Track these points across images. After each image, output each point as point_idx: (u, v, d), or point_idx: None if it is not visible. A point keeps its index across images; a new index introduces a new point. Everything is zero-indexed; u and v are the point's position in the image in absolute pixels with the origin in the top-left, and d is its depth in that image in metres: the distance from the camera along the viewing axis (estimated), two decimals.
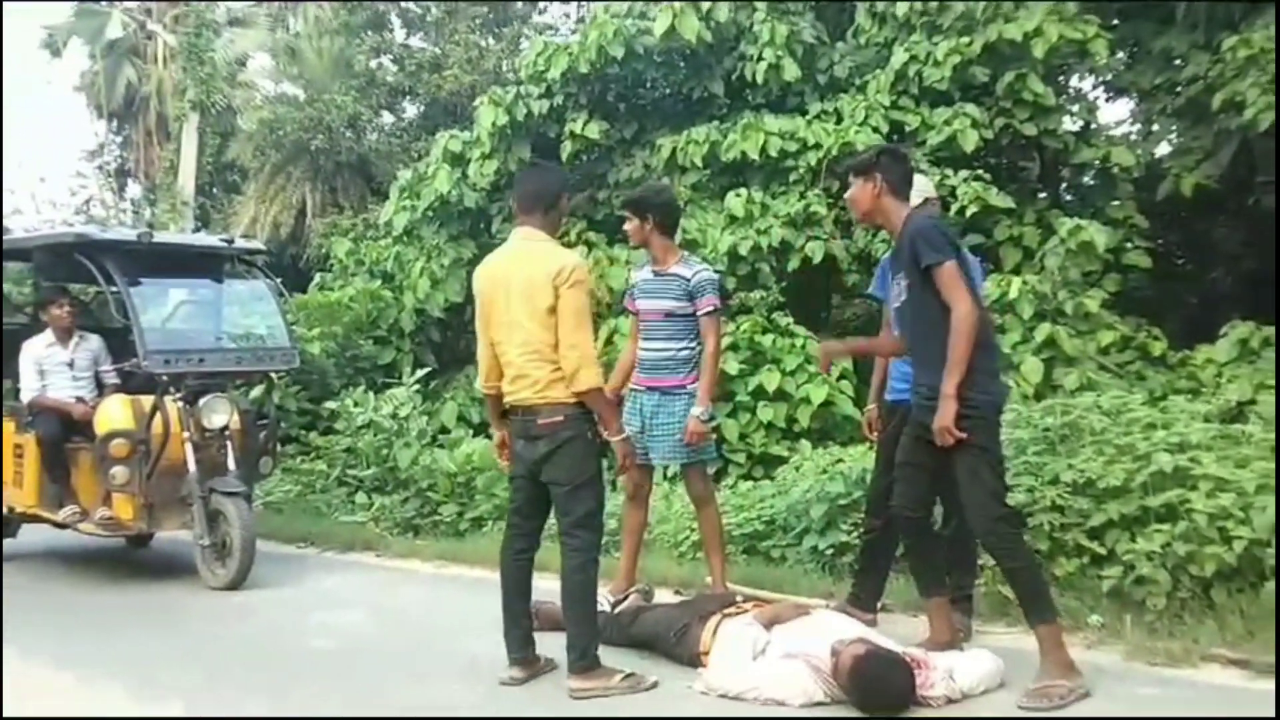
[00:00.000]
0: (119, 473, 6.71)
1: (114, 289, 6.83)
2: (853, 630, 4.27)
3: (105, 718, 4.22)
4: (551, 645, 4.73)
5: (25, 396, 7.20)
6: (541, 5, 20.38)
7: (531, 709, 4.27)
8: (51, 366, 7.22)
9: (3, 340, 7.68)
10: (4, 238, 7.68)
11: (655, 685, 4.39)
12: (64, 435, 7.07)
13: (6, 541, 7.74)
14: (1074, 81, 10.99)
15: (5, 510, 7.59)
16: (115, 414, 6.84)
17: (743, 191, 9.78)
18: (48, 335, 7.23)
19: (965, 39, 9.54)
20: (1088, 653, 4.71)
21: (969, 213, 9.04)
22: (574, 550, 4.38)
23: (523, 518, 4.59)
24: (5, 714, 3.98)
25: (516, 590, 4.55)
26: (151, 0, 24.16)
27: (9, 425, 7.38)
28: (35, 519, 7.44)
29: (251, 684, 4.68)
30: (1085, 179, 10.93)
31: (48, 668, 4.94)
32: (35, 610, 6.27)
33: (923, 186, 5.26)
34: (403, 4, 20.53)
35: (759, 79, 10.38)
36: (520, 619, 4.56)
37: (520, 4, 20.02)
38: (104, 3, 24.55)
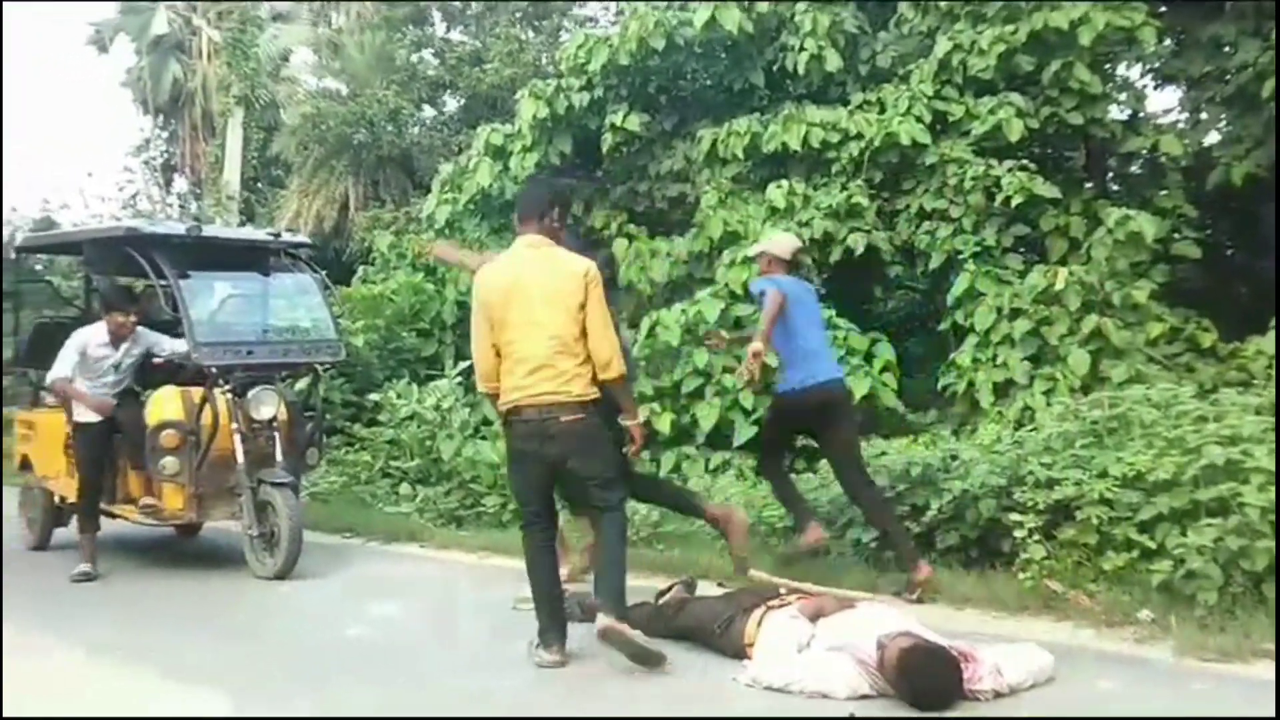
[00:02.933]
0: (169, 463, 6.81)
1: (163, 282, 6.92)
2: (899, 623, 4.25)
3: (141, 717, 4.28)
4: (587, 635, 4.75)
5: (51, 376, 6.97)
6: None
7: (574, 697, 4.28)
8: (97, 361, 7.02)
9: (46, 333, 7.85)
10: (56, 231, 7.79)
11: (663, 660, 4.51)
12: (107, 433, 7.02)
13: (57, 531, 7.89)
14: (1121, 69, 10.81)
15: (56, 500, 7.75)
16: (166, 405, 6.95)
17: (784, 183, 9.75)
18: (101, 332, 6.99)
19: (1010, 27, 9.42)
20: (1138, 648, 4.66)
21: (1014, 203, 8.95)
22: (616, 524, 4.69)
23: (542, 512, 4.76)
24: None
25: (551, 579, 4.75)
26: None
27: (58, 419, 7.48)
28: None
29: (295, 673, 4.75)
30: (1132, 168, 10.78)
31: (91, 655, 5.02)
32: (82, 599, 6.41)
33: (783, 244, 6.23)
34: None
35: (800, 70, 10.34)
36: (558, 603, 4.74)
37: None
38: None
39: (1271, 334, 8.11)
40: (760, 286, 5.90)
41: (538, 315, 4.52)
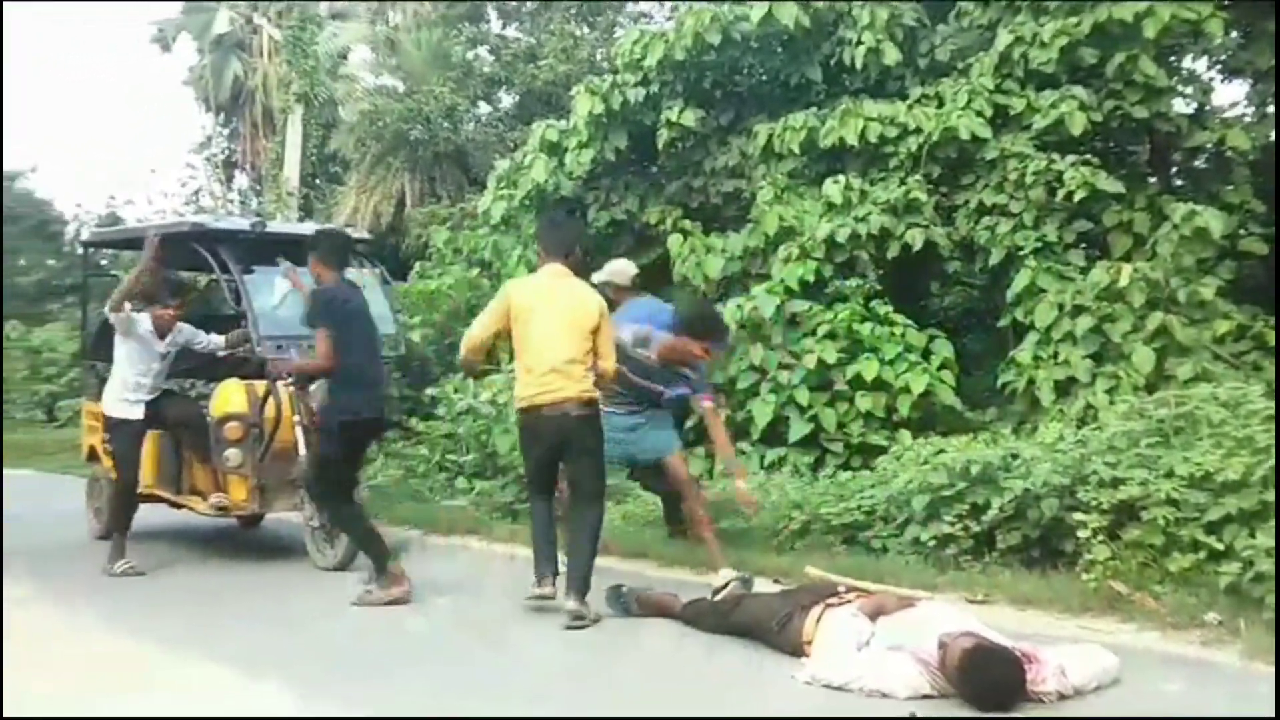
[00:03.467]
0: (233, 455, 6.93)
1: (228, 276, 7.04)
2: (961, 622, 4.21)
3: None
4: (653, 630, 4.77)
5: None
6: None
7: (629, 697, 4.28)
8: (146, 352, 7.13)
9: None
10: (123, 226, 7.95)
11: (599, 620, 5.29)
12: (142, 431, 7.13)
13: None
14: (1187, 62, 10.61)
15: None
16: (230, 398, 7.06)
17: (841, 178, 9.67)
18: (147, 321, 7.08)
19: (1073, 20, 9.27)
20: (1205, 651, 4.58)
21: (1076, 198, 8.81)
22: (598, 508, 5.68)
23: (547, 484, 5.75)
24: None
25: (550, 537, 5.66)
26: None
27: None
28: (153, 499, 7.71)
29: (354, 663, 4.79)
30: (1198, 163, 10.56)
31: (153, 645, 5.10)
32: (145, 588, 6.54)
33: (622, 270, 7.00)
34: None
35: (858, 64, 10.26)
36: (552, 550, 5.63)
37: None
38: None
39: None
40: (637, 324, 6.32)
41: (559, 333, 5.46)
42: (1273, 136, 10.19)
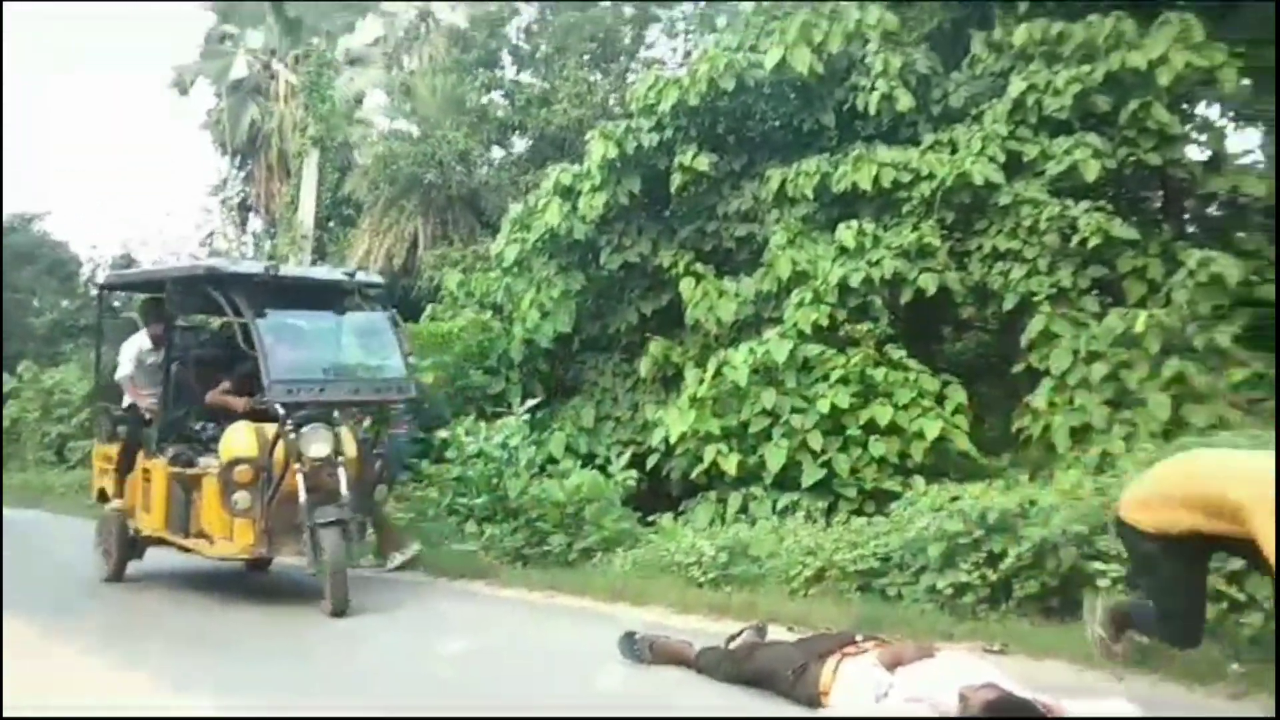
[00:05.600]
0: (241, 498, 6.88)
1: (241, 320, 7.04)
2: (981, 673, 4.12)
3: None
4: (668, 679, 4.69)
5: (118, 375, 8.12)
6: (650, 40, 20.57)
7: None
8: (150, 366, 7.99)
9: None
10: (138, 269, 8.04)
11: None
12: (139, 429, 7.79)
13: (133, 564, 8.02)
14: (1200, 109, 10.63)
15: (132, 533, 7.87)
16: (239, 441, 7.03)
17: (854, 223, 9.68)
18: (146, 340, 8.10)
19: (1086, 68, 9.31)
20: (1230, 704, 4.48)
21: (1090, 244, 8.80)
22: None
23: None
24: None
25: None
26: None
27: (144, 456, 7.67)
28: (161, 542, 7.68)
29: (351, 710, 4.69)
30: (1211, 209, 10.54)
31: (150, 681, 5.08)
32: (152, 629, 6.50)
33: None
34: (513, 40, 20.97)
35: (871, 110, 10.29)
36: None
37: (628, 40, 20.23)
38: (229, 42, 25.59)
39: None
40: None
41: None
42: None
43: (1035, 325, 8.73)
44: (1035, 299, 8.94)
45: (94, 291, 9.48)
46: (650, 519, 8.69)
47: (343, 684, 5.21)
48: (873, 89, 10.26)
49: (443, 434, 9.80)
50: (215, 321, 8.68)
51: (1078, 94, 9.25)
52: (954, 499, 6.68)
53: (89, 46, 56.90)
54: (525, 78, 20.81)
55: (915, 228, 9.57)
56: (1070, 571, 5.76)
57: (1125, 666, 4.94)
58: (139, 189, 44.97)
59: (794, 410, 8.84)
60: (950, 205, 9.68)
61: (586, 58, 19.51)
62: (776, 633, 5.61)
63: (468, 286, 13.14)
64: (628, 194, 11.24)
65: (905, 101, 10.19)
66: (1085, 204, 8.98)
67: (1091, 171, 9.01)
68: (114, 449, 8.16)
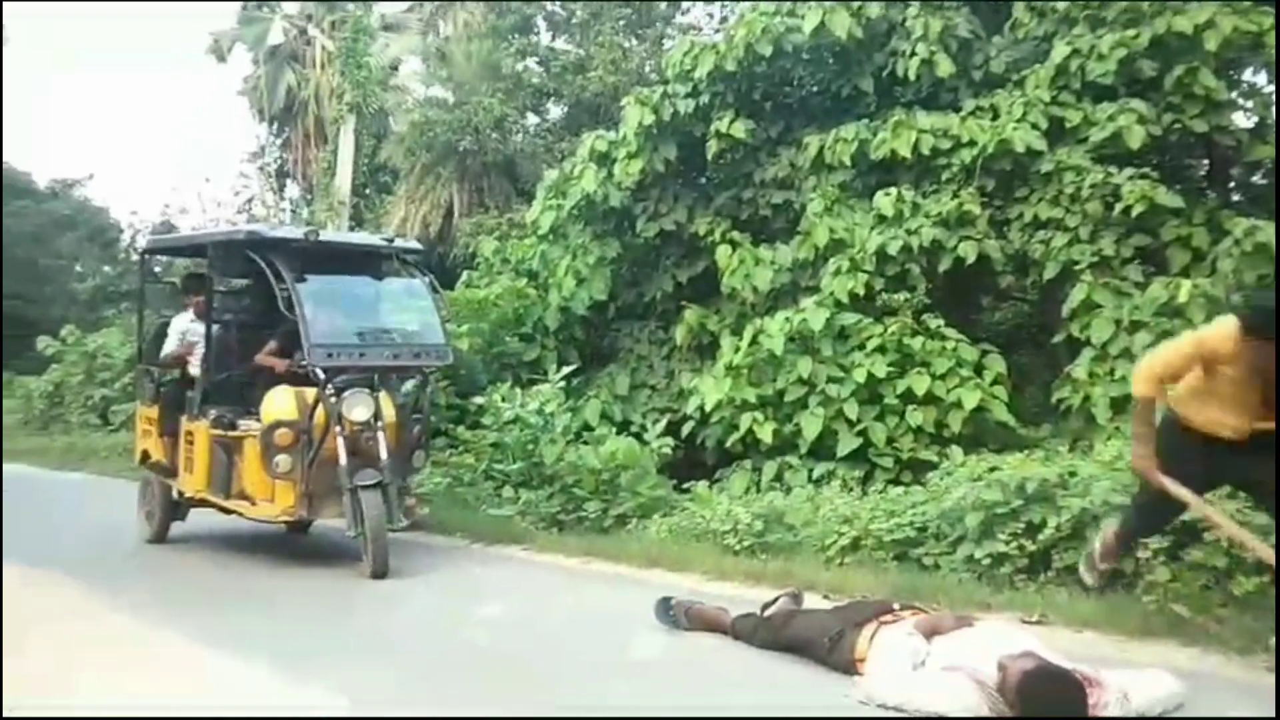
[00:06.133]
0: (282, 461, 6.96)
1: (282, 284, 7.09)
2: (1020, 643, 4.11)
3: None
4: (704, 645, 4.71)
5: (164, 353, 8.26)
6: (685, 5, 20.40)
7: (679, 710, 4.23)
8: (194, 337, 8.09)
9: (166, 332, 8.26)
10: (180, 234, 8.10)
11: None
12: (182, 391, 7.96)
13: (176, 526, 8.15)
14: (1247, 75, 10.41)
15: (175, 495, 7.99)
16: (280, 404, 7.10)
17: (892, 190, 9.59)
18: (189, 315, 8.28)
19: (1131, 32, 9.14)
20: (1271, 676, 4.43)
21: (1134, 212, 8.67)
22: None
23: None
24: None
25: None
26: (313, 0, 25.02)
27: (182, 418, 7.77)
28: (203, 503, 7.79)
29: (390, 672, 4.77)
30: (1257, 178, 10.35)
31: (199, 646, 5.11)
32: (194, 590, 6.60)
33: None
34: (548, 6, 20.86)
35: (911, 75, 10.17)
36: None
37: (664, 5, 20.08)
38: (266, 8, 25.65)
39: None
40: None
41: None
42: None
43: (1076, 294, 8.63)
44: (1077, 268, 8.83)
45: (135, 257, 9.55)
46: (685, 487, 8.71)
47: (382, 645, 5.27)
48: (913, 54, 10.13)
49: (479, 400, 9.86)
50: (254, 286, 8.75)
51: (1122, 59, 9.09)
52: (992, 469, 6.63)
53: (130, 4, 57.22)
54: (560, 44, 20.76)
55: (955, 195, 9.48)
56: None
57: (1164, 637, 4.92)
58: (179, 155, 45.36)
59: (830, 379, 8.81)
60: (991, 172, 9.56)
61: (622, 23, 19.41)
62: (812, 601, 5.62)
63: (503, 253, 13.16)
64: (664, 161, 11.19)
65: (945, 66, 10.05)
66: (1129, 171, 8.85)
67: (1135, 138, 8.86)
68: (155, 411, 8.28)
